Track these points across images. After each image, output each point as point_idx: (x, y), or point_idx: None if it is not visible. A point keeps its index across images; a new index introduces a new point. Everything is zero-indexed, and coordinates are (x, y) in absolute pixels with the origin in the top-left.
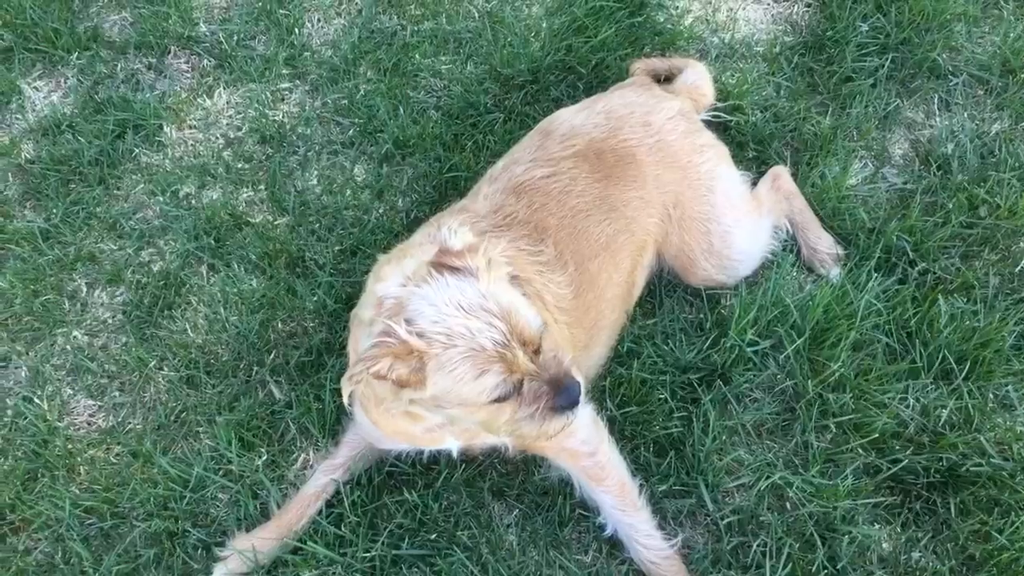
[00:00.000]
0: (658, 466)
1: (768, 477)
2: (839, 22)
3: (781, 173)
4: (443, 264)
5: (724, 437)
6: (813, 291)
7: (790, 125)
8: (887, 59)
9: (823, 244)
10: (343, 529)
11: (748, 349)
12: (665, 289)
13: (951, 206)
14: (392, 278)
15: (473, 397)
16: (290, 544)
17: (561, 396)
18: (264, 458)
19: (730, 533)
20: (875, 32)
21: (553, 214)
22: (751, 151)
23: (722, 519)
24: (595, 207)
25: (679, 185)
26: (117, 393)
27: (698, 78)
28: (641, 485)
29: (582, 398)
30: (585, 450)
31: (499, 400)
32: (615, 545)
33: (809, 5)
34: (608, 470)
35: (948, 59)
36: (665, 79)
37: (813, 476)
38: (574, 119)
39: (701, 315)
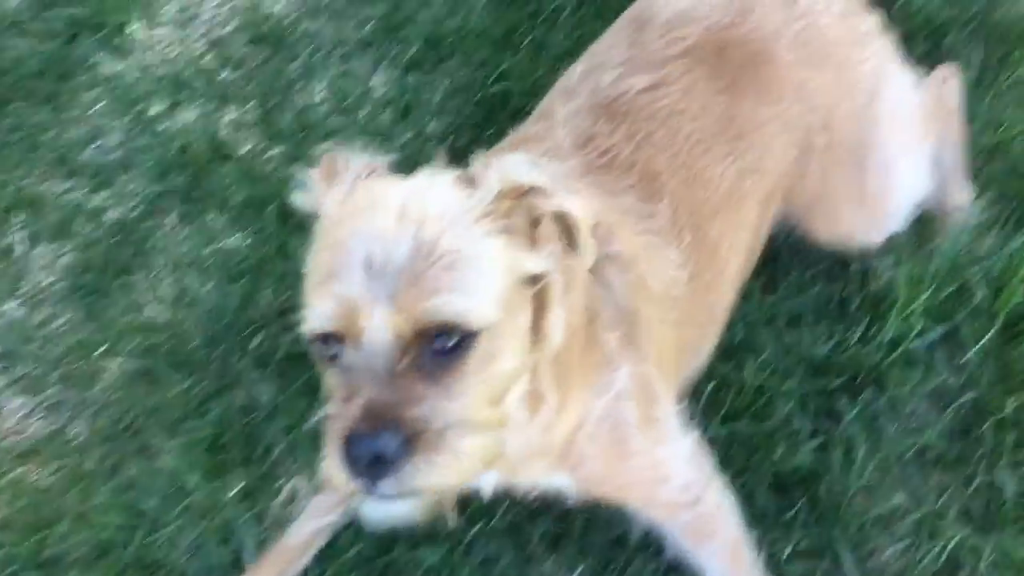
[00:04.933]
0: (779, 513)
1: (935, 536)
2: None
3: (951, 77)
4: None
5: (876, 472)
6: (1013, 252)
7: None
8: None
9: (960, 197)
10: None
11: (915, 341)
12: (790, 248)
13: None
14: None
15: (306, 314)
16: None
17: (350, 446)
18: (238, 488)
19: None
20: None
21: (662, 150)
22: (921, 44)
23: None
24: (716, 136)
25: (831, 96)
26: (57, 387)
27: None
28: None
29: (386, 487)
30: (685, 499)
31: (320, 346)
32: None
33: None
34: (717, 523)
35: None
36: None
37: (1004, 538)
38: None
39: (845, 290)
